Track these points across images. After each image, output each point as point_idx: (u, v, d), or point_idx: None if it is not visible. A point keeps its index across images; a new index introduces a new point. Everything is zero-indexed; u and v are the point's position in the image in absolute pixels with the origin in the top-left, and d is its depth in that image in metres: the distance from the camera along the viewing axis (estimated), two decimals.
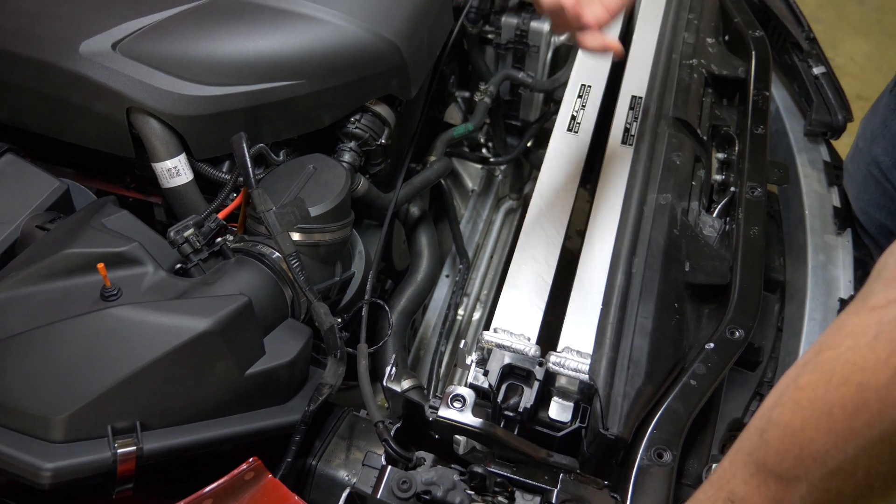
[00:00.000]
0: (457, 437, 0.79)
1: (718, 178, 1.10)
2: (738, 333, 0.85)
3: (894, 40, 2.87)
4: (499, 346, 0.83)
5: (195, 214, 0.86)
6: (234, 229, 0.93)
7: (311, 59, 0.93)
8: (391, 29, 0.98)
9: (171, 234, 0.83)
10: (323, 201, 0.90)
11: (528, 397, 0.82)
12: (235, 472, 0.69)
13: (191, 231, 0.84)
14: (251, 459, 0.70)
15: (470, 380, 0.82)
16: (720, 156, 1.13)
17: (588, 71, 1.18)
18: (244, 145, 0.85)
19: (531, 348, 0.83)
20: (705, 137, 1.11)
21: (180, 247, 0.83)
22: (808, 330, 1.04)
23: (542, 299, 0.90)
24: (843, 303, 1.06)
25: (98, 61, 0.86)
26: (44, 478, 0.67)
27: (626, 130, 1.08)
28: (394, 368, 0.83)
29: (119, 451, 0.69)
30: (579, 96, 1.13)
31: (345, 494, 0.79)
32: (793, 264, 1.15)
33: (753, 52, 1.20)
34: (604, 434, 0.77)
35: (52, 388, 0.69)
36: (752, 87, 1.15)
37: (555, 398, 0.84)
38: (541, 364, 0.82)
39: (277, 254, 0.86)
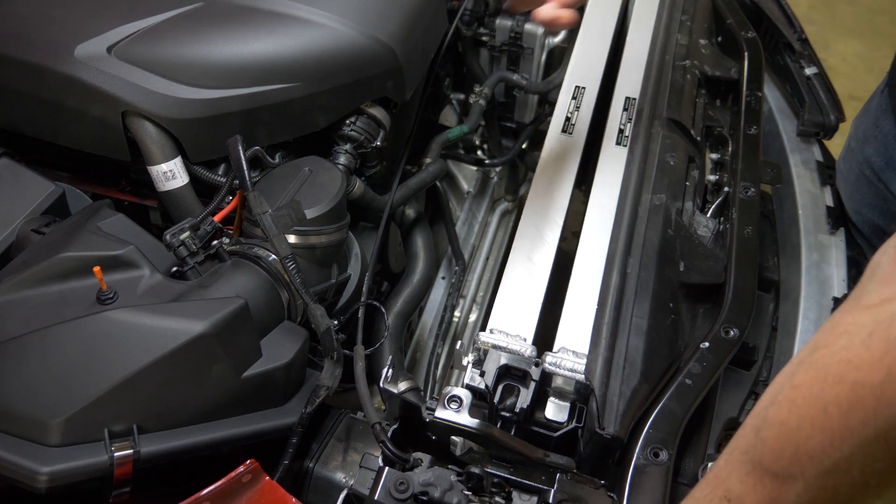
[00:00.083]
0: (454, 438, 0.80)
1: (712, 178, 1.11)
2: (732, 332, 0.85)
3: (886, 41, 2.89)
4: (495, 346, 0.84)
5: (191, 217, 0.86)
6: (230, 232, 0.93)
7: (305, 61, 0.93)
8: (386, 31, 0.98)
9: (167, 237, 0.83)
10: (319, 203, 0.90)
11: (524, 398, 0.82)
12: (233, 474, 0.69)
13: (187, 234, 0.84)
14: (248, 462, 0.70)
15: (466, 381, 0.82)
16: (714, 156, 1.13)
17: (582, 73, 1.18)
18: (240, 148, 0.85)
19: (527, 349, 0.83)
20: (699, 138, 1.11)
21: (176, 250, 0.83)
22: (802, 329, 1.05)
23: (537, 300, 0.90)
24: (837, 302, 1.07)
25: (93, 65, 0.86)
26: (40, 482, 0.67)
27: (621, 131, 1.08)
28: (390, 370, 0.83)
29: (116, 454, 0.69)
30: (573, 98, 1.14)
31: (342, 496, 0.79)
32: (787, 264, 1.16)
33: (746, 54, 1.21)
34: (600, 434, 0.77)
35: (49, 392, 0.69)
36: (744, 88, 1.16)
37: (551, 398, 0.84)
38: (537, 364, 0.82)
39: (273, 256, 0.86)
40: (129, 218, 0.85)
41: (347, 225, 0.97)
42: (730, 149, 1.11)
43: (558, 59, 1.50)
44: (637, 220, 0.97)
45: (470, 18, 1.34)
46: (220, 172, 0.96)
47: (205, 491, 0.69)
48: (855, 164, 1.12)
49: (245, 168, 0.85)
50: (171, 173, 0.90)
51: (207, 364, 0.74)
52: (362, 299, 0.98)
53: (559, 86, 1.17)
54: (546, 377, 0.83)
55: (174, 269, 0.84)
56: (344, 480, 0.82)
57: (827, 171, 1.24)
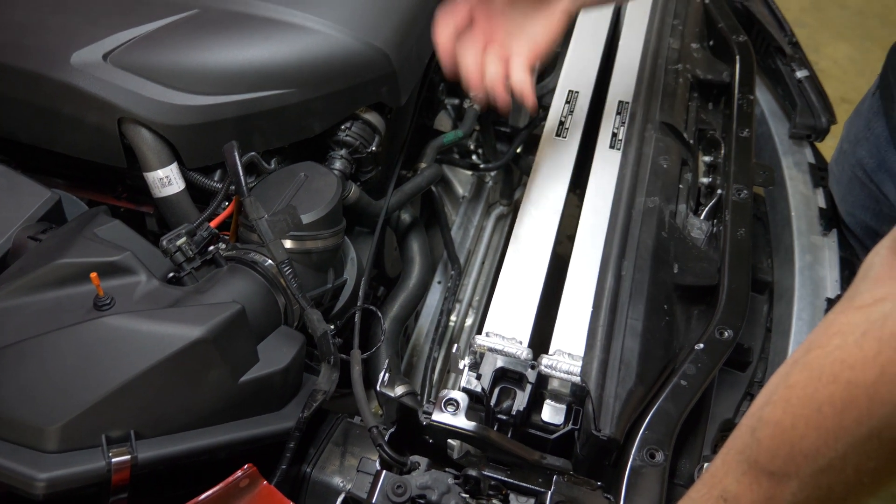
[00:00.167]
0: (451, 441, 0.80)
1: (705, 180, 1.11)
2: (726, 333, 0.86)
3: (876, 44, 2.91)
4: (491, 349, 0.84)
5: (187, 223, 0.87)
6: (227, 238, 0.93)
7: (301, 68, 0.94)
8: (380, 37, 0.99)
9: (164, 242, 0.83)
10: (315, 209, 0.91)
11: (520, 400, 0.82)
12: (230, 479, 0.69)
13: (183, 240, 0.84)
14: (246, 466, 0.70)
15: (463, 384, 0.82)
16: (706, 159, 1.14)
17: (575, 77, 1.19)
18: (236, 154, 0.85)
19: (523, 351, 0.84)
20: (692, 141, 1.12)
21: (173, 255, 0.83)
22: (796, 330, 1.06)
23: (533, 303, 0.90)
24: (831, 302, 1.08)
25: (89, 72, 0.87)
26: (38, 488, 0.67)
27: (614, 135, 1.09)
28: (387, 374, 0.83)
29: (113, 460, 0.69)
30: (567, 102, 1.15)
31: (340, 500, 0.79)
32: (780, 265, 1.17)
33: (738, 57, 1.22)
34: (596, 435, 0.77)
35: (46, 398, 0.69)
36: (736, 91, 1.17)
37: (547, 401, 0.84)
38: (533, 367, 0.83)
39: (270, 261, 0.86)
40: (125, 224, 0.85)
41: (343, 230, 0.97)
42: (722, 151, 1.12)
43: (552, 63, 1.51)
44: (631, 222, 0.97)
45: None
46: (215, 178, 0.96)
47: (203, 496, 0.69)
48: (847, 165, 1.13)
49: (241, 174, 0.85)
50: (167, 179, 0.90)
51: (204, 369, 0.75)
52: (358, 304, 0.98)
53: (553, 90, 1.18)
54: (542, 380, 0.84)
55: (171, 274, 0.84)
56: (341, 485, 0.82)
57: (819, 173, 1.25)
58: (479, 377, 0.83)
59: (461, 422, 0.76)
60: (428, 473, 0.75)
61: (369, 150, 1.05)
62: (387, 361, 0.88)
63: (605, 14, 1.30)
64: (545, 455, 0.79)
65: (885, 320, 0.48)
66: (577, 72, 1.20)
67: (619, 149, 1.07)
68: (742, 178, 1.04)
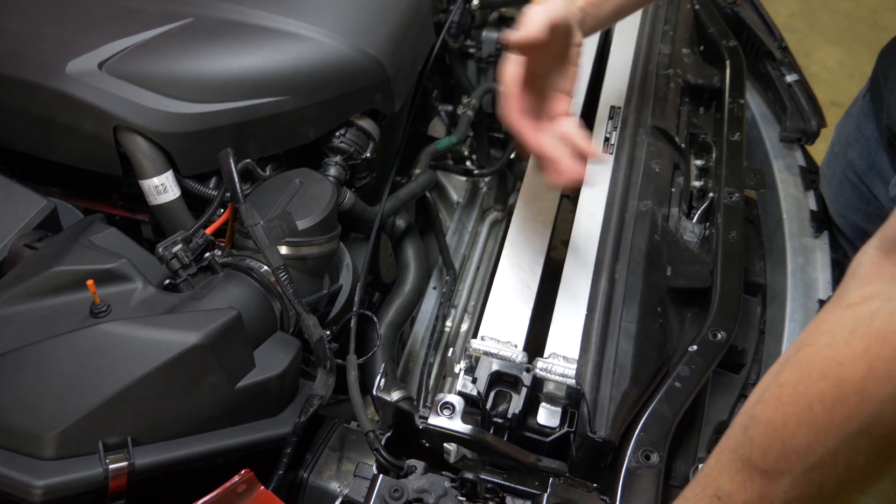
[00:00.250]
0: (447, 445, 0.80)
1: (697, 184, 1.12)
2: (720, 335, 0.87)
3: (866, 48, 2.94)
4: (486, 353, 0.85)
5: (183, 230, 0.87)
6: (222, 245, 0.93)
7: (295, 75, 0.95)
8: (374, 45, 0.99)
9: (160, 249, 0.83)
10: (310, 215, 0.91)
11: (516, 403, 0.83)
12: (228, 484, 0.70)
13: (179, 247, 0.84)
14: (243, 471, 0.71)
15: (458, 388, 0.83)
16: (698, 162, 1.15)
17: None
18: (231, 161, 0.86)
19: (518, 355, 0.84)
20: (683, 145, 1.13)
21: (169, 262, 0.84)
22: (789, 331, 1.06)
23: (528, 307, 0.91)
24: (823, 304, 1.09)
25: (85, 81, 0.87)
26: (35, 495, 0.67)
27: (606, 140, 1.10)
28: (383, 379, 0.84)
29: (110, 466, 0.69)
30: None
31: None
32: (773, 268, 1.18)
33: (728, 62, 1.23)
34: (592, 437, 0.78)
35: (43, 405, 0.69)
36: (727, 96, 1.18)
37: (543, 404, 0.85)
38: (528, 370, 0.83)
39: (266, 267, 0.87)
40: (121, 232, 0.85)
41: (338, 235, 0.98)
42: (714, 155, 1.13)
43: None
44: (624, 226, 0.98)
45: (457, 31, 1.36)
46: (211, 186, 0.96)
47: (200, 501, 0.69)
48: (838, 167, 1.14)
49: (236, 180, 0.85)
50: (162, 187, 0.91)
51: (201, 375, 0.75)
52: (354, 309, 0.99)
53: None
54: (537, 383, 0.84)
55: (167, 281, 0.85)
56: (338, 490, 0.83)
57: (810, 175, 1.26)
58: (474, 381, 0.83)
59: (457, 425, 0.77)
60: (425, 477, 0.75)
61: (364, 157, 1.05)
62: (383, 366, 0.88)
63: None
64: (541, 457, 0.79)
65: (873, 318, 0.48)
66: None
67: (611, 153, 1.08)
68: (733, 182, 1.05)
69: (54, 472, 0.68)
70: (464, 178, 1.62)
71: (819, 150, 1.28)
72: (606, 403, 0.80)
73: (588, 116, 1.15)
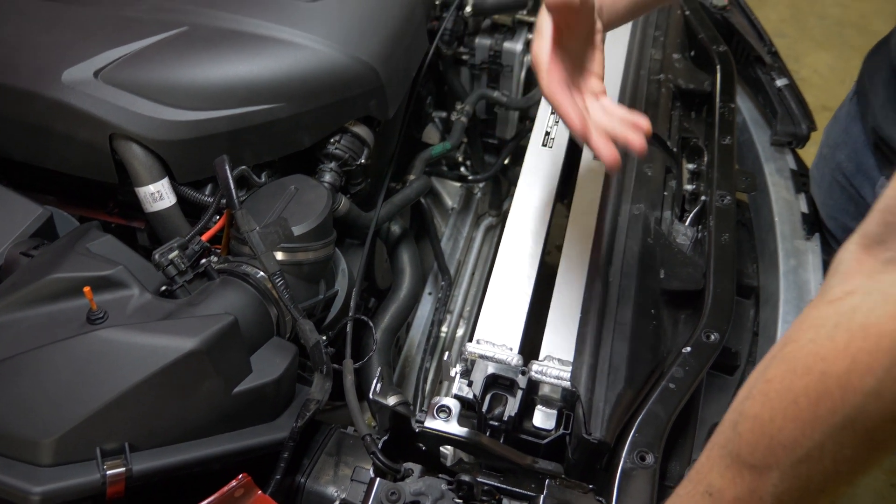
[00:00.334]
0: (444, 449, 0.81)
1: (689, 187, 1.13)
2: (713, 336, 0.87)
3: (855, 52, 2.96)
4: (482, 356, 0.85)
5: (179, 237, 0.88)
6: (218, 251, 0.94)
7: (290, 82, 0.95)
8: (368, 52, 1.00)
9: (156, 256, 0.84)
10: (305, 221, 0.92)
11: (511, 406, 0.83)
12: (225, 488, 0.70)
13: (175, 253, 0.85)
14: (240, 476, 0.71)
15: (454, 391, 0.83)
16: (690, 166, 1.16)
17: None
18: (227, 167, 0.86)
19: (514, 358, 0.85)
20: (675, 149, 1.14)
21: (165, 269, 0.84)
22: (782, 333, 1.06)
23: (522, 310, 0.92)
24: None
25: (80, 89, 0.88)
26: (33, 502, 0.67)
27: None
28: (379, 383, 0.84)
29: (108, 472, 0.70)
30: (552, 112, 1.16)
31: None
32: (765, 270, 1.19)
33: (718, 67, 1.25)
34: (587, 439, 0.78)
35: (40, 412, 0.70)
36: (718, 100, 1.19)
37: (538, 407, 0.85)
38: (523, 373, 0.84)
39: (262, 273, 0.87)
40: (117, 239, 0.86)
41: (334, 241, 0.98)
42: (705, 159, 1.14)
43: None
44: (617, 229, 0.99)
45: (450, 38, 1.37)
46: (206, 193, 0.97)
47: None
48: (827, 170, 1.15)
49: (232, 187, 0.86)
50: (158, 194, 0.91)
51: (198, 381, 0.75)
52: (350, 314, 0.99)
53: (539, 101, 1.20)
54: (533, 385, 0.84)
55: (163, 288, 0.85)
56: (335, 494, 0.83)
57: (801, 178, 1.27)
58: (470, 384, 0.84)
59: (453, 428, 0.77)
60: (421, 480, 0.76)
61: (358, 163, 1.06)
62: (379, 370, 0.88)
63: None
64: (537, 459, 0.80)
65: (854, 313, 0.49)
66: None
67: None
68: (725, 185, 1.06)
69: (52, 479, 0.68)
70: (458, 184, 1.63)
71: (809, 154, 1.29)
72: (601, 405, 0.81)
73: None
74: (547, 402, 0.85)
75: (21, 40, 0.93)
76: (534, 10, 1.46)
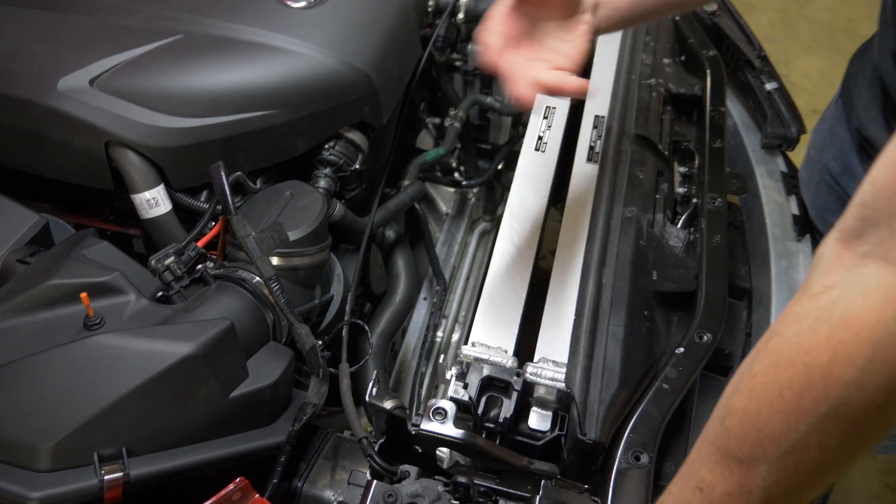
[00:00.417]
0: (440, 451, 0.81)
1: (681, 190, 1.14)
2: (706, 337, 0.88)
3: (844, 57, 2.97)
4: (477, 359, 0.86)
5: (175, 243, 0.88)
6: (214, 257, 0.94)
7: (284, 89, 0.96)
8: (362, 59, 1.01)
9: (153, 262, 0.84)
10: (301, 226, 0.92)
11: (507, 408, 0.84)
12: (223, 492, 0.70)
13: (171, 259, 0.85)
14: (238, 479, 0.71)
15: (450, 393, 0.84)
16: (682, 169, 1.17)
17: None
18: (222, 173, 0.87)
19: (508, 360, 0.85)
20: (666, 153, 1.15)
21: (161, 275, 0.85)
22: None
23: (517, 313, 0.92)
24: None
25: (76, 97, 0.88)
26: None
27: (591, 148, 1.12)
28: (375, 387, 0.85)
29: (106, 477, 0.70)
30: (545, 117, 1.17)
31: None
32: (757, 271, 1.20)
33: (708, 71, 1.26)
34: (582, 440, 0.79)
35: (38, 418, 0.70)
36: (708, 104, 1.20)
37: (534, 408, 0.86)
38: (518, 375, 0.84)
39: (258, 278, 0.88)
40: (113, 245, 0.86)
41: (329, 246, 0.99)
42: (696, 162, 1.15)
43: None
44: (610, 232, 1.00)
45: (443, 44, 1.38)
46: (202, 199, 0.97)
47: None
48: (815, 171, 1.17)
49: (228, 192, 0.87)
50: (154, 201, 0.92)
51: (195, 385, 0.75)
52: (346, 318, 1.00)
53: (531, 107, 1.20)
54: (528, 387, 0.85)
55: (160, 293, 0.86)
56: (333, 498, 0.83)
57: (791, 181, 1.28)
58: (465, 386, 0.84)
59: (449, 430, 0.78)
60: (418, 482, 0.76)
61: (353, 169, 1.07)
62: (375, 373, 0.89)
63: None
64: (532, 460, 0.80)
65: (834, 306, 0.51)
66: None
67: (596, 161, 1.10)
68: (716, 187, 1.07)
69: (50, 484, 0.68)
70: (452, 190, 1.64)
71: (800, 156, 1.30)
72: (596, 406, 0.81)
73: (573, 126, 1.17)
74: (542, 404, 0.86)
75: (17, 49, 0.94)
76: None
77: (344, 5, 1.05)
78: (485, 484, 0.78)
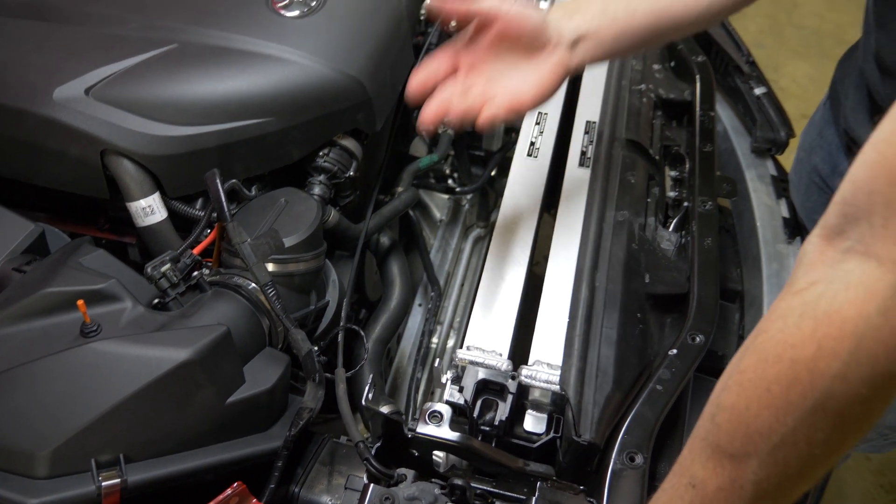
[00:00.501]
0: (436, 455, 0.82)
1: (672, 194, 1.16)
2: (698, 338, 0.89)
3: (833, 61, 3.00)
4: (472, 362, 0.86)
5: (171, 250, 0.89)
6: (210, 264, 0.95)
7: (278, 97, 0.97)
8: (355, 66, 1.02)
9: (149, 269, 0.85)
10: (296, 232, 0.93)
11: (502, 411, 0.84)
12: (220, 497, 0.71)
13: (167, 266, 0.86)
14: (235, 484, 0.72)
15: (446, 397, 0.84)
16: (672, 173, 1.19)
17: None
18: (217, 181, 0.88)
19: (503, 363, 0.86)
20: (657, 157, 1.17)
21: (157, 282, 0.85)
22: None
23: (511, 316, 0.93)
24: None
25: (72, 106, 0.89)
26: None
27: (583, 153, 1.13)
28: (371, 392, 0.85)
29: (103, 484, 0.70)
30: (537, 123, 1.19)
31: None
32: (749, 274, 1.21)
33: (698, 76, 1.28)
34: (577, 441, 0.80)
35: (35, 424, 0.70)
36: (698, 109, 1.22)
37: (529, 411, 0.87)
38: (513, 378, 0.85)
39: (253, 284, 0.88)
40: (109, 253, 0.87)
41: (324, 252, 1.00)
42: (687, 166, 1.16)
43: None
44: (602, 236, 1.01)
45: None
46: (197, 207, 0.98)
47: None
48: (804, 173, 1.18)
49: (223, 200, 0.87)
50: (149, 209, 0.92)
51: (192, 391, 0.76)
52: (341, 324, 1.00)
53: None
54: (523, 390, 0.86)
55: (156, 300, 0.86)
56: (330, 503, 0.84)
57: (781, 184, 1.30)
58: (461, 390, 0.85)
59: (445, 433, 0.78)
60: (415, 485, 0.77)
61: (347, 175, 1.07)
62: (371, 377, 0.89)
63: None
64: (528, 462, 0.81)
65: (818, 301, 0.52)
66: None
67: (588, 166, 1.11)
68: (707, 191, 1.08)
69: (47, 491, 0.69)
70: (446, 196, 1.64)
71: (789, 160, 1.32)
72: (590, 408, 0.82)
73: (564, 131, 1.19)
74: (537, 406, 0.87)
75: (12, 59, 0.94)
76: None
77: (337, 14, 1.06)
78: (481, 486, 0.79)
